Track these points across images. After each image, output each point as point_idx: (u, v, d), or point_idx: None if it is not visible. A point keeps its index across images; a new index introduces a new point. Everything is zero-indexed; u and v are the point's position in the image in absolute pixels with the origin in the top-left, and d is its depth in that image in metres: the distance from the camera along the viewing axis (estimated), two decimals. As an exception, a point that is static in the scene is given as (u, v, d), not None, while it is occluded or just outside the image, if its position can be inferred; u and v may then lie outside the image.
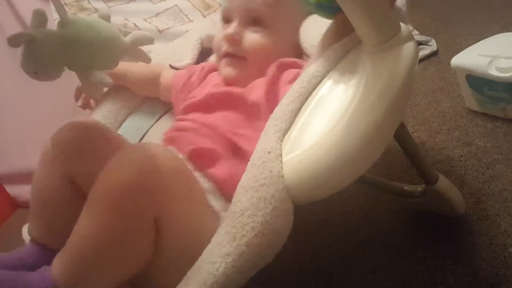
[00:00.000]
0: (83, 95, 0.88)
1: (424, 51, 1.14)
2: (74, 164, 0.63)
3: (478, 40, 0.88)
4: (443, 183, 0.64)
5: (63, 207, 0.63)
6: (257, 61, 0.71)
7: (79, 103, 0.88)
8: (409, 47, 0.46)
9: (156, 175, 0.50)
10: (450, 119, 0.88)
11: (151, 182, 0.49)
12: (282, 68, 0.69)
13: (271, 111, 0.66)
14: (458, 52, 0.87)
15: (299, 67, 0.68)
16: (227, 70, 0.74)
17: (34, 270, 0.52)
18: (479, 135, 0.80)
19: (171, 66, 0.90)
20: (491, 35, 0.88)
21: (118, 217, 0.49)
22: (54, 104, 1.21)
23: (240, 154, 0.63)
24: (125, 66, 0.86)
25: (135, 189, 0.49)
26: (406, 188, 0.69)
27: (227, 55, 0.74)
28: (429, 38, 1.17)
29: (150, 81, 0.87)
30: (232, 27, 0.73)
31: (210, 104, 0.71)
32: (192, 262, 0.49)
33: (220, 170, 0.61)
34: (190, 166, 0.62)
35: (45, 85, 0.66)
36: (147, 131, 0.89)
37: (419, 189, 0.66)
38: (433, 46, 1.15)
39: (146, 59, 0.70)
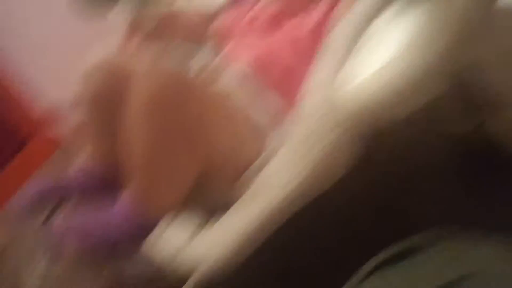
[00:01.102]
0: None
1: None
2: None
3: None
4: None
5: (107, 128, 0.64)
6: None
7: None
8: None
9: (183, 83, 0.53)
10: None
11: (181, 86, 0.52)
12: None
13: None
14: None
15: None
16: None
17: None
18: None
19: None
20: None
21: (164, 117, 0.51)
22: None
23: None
24: None
25: (170, 92, 0.51)
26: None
27: None
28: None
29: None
30: None
31: None
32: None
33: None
34: None
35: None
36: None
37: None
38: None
39: None
